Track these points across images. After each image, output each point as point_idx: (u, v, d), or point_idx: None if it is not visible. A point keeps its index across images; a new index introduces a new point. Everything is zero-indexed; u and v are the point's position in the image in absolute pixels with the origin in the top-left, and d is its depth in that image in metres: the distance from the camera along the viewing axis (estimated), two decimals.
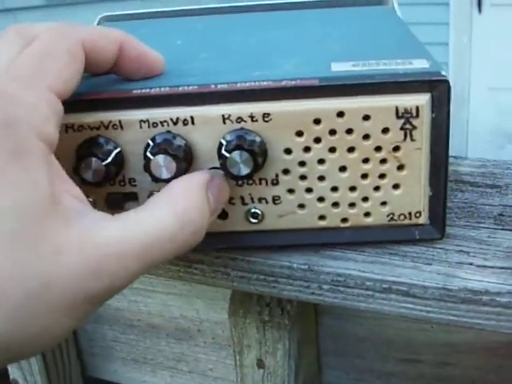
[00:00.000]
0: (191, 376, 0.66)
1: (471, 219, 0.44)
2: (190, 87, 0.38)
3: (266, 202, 0.40)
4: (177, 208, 0.32)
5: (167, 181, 0.37)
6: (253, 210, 0.40)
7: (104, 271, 0.29)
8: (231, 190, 0.39)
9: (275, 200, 0.40)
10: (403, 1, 0.58)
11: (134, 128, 0.38)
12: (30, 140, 0.29)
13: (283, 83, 0.37)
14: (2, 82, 0.31)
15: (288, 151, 0.38)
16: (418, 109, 0.37)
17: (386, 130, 0.37)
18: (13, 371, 0.71)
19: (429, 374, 0.54)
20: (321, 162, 0.39)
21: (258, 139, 0.37)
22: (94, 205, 0.40)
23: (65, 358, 0.71)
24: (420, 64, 0.38)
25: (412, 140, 0.38)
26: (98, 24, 0.60)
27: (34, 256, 0.27)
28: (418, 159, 0.38)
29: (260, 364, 0.53)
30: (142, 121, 0.38)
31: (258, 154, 0.37)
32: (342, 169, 0.39)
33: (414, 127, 0.37)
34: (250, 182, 0.39)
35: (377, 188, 0.39)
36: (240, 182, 0.39)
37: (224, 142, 0.37)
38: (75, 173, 0.37)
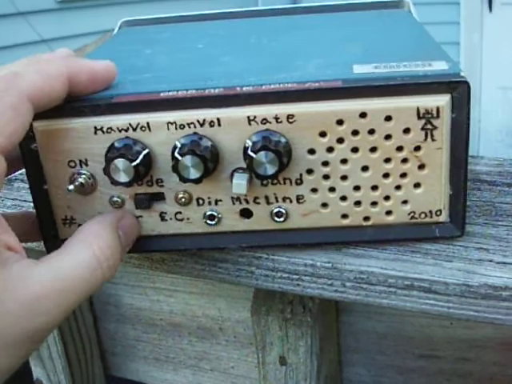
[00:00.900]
0: (213, 374, 0.67)
1: (490, 217, 0.45)
2: (216, 90, 0.38)
3: (290, 202, 0.41)
4: (93, 247, 0.36)
5: (195, 181, 0.38)
6: (277, 209, 0.41)
7: (40, 311, 0.32)
8: (256, 189, 0.40)
9: (299, 199, 0.41)
10: (414, 1, 0.59)
11: (161, 130, 0.39)
12: None
13: (307, 85, 0.38)
14: None
15: (312, 151, 0.39)
16: (438, 109, 0.38)
17: (407, 131, 0.38)
18: (36, 370, 0.72)
19: (448, 369, 0.55)
20: (344, 161, 0.39)
21: (282, 140, 0.38)
22: (123, 204, 0.41)
23: (88, 358, 0.72)
24: (439, 66, 0.39)
25: (433, 140, 0.39)
26: (119, 28, 0.61)
27: None
28: (439, 159, 0.39)
29: (282, 361, 0.54)
30: (169, 123, 0.39)
31: (283, 155, 0.38)
32: (365, 168, 0.40)
33: (435, 127, 0.38)
34: (275, 181, 0.40)
35: (398, 187, 0.40)
36: (265, 182, 0.40)
37: (250, 143, 0.38)
38: (105, 173, 0.38)
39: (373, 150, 0.39)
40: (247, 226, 0.42)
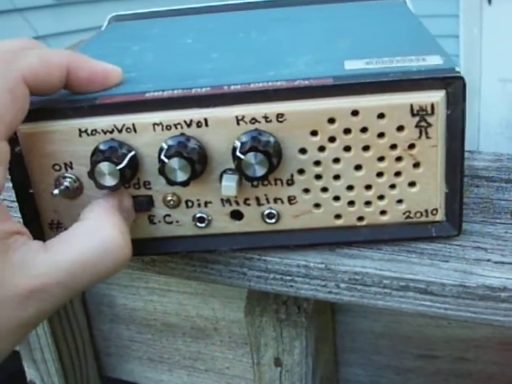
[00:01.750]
0: (208, 375, 0.66)
1: (487, 215, 0.44)
2: (203, 89, 0.38)
3: (282, 202, 0.40)
4: (99, 233, 0.35)
5: (182, 184, 0.37)
6: (268, 211, 0.40)
7: (32, 302, 0.32)
8: (247, 190, 0.39)
9: (291, 200, 0.40)
10: None
11: (147, 131, 0.38)
12: None
13: (297, 83, 0.37)
14: None
15: (303, 151, 0.38)
16: (432, 106, 0.37)
17: (401, 128, 0.37)
18: (30, 372, 0.72)
19: (446, 369, 0.54)
20: (336, 161, 0.39)
21: (272, 140, 0.37)
22: None
23: (81, 359, 0.72)
24: (434, 60, 0.38)
25: (427, 137, 0.38)
26: (108, 24, 0.60)
27: None
28: (434, 156, 0.38)
29: (277, 362, 0.53)
30: (155, 124, 0.38)
31: (273, 155, 0.37)
32: (358, 167, 0.39)
33: (430, 124, 0.37)
34: (265, 182, 0.39)
35: (393, 186, 0.39)
36: (255, 183, 0.39)
37: (238, 144, 0.37)
38: (90, 177, 0.37)
39: (366, 148, 0.38)
40: (238, 228, 0.41)
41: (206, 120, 0.37)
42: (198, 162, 0.37)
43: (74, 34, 3.04)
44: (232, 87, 0.37)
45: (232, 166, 0.38)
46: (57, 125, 0.38)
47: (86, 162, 0.38)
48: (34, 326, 0.33)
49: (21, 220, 0.41)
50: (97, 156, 0.37)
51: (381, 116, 0.37)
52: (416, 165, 0.39)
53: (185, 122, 0.38)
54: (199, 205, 0.40)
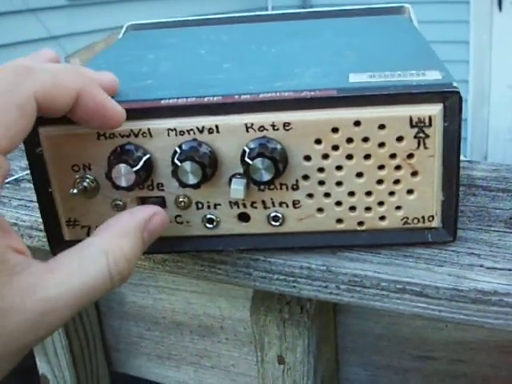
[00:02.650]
0: (214, 371, 0.68)
1: (483, 223, 0.46)
2: (215, 98, 0.40)
3: (287, 206, 0.42)
4: (109, 260, 0.34)
5: (193, 186, 0.39)
6: (274, 214, 0.42)
7: (42, 325, 0.32)
8: (254, 194, 0.42)
9: (295, 204, 0.42)
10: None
11: (162, 136, 0.40)
12: None
13: (303, 94, 0.39)
14: None
15: (307, 158, 0.40)
16: (430, 118, 0.39)
17: (400, 139, 0.39)
18: (42, 366, 0.73)
19: (443, 370, 0.56)
20: (338, 168, 0.41)
21: (279, 147, 0.39)
22: (125, 207, 0.42)
23: (92, 354, 0.73)
24: (433, 75, 0.40)
25: (425, 148, 0.40)
26: (124, 32, 0.63)
27: None
28: (431, 166, 0.40)
29: (280, 360, 0.55)
30: (169, 129, 0.40)
31: (279, 161, 0.39)
32: (359, 175, 0.41)
33: (427, 136, 0.39)
34: (272, 187, 0.41)
35: (392, 193, 0.41)
36: (262, 187, 0.41)
37: (247, 150, 0.39)
38: (107, 178, 0.40)
39: (367, 157, 0.40)
40: (245, 230, 0.43)
41: (217, 127, 0.40)
42: (208, 166, 0.39)
43: (87, 34, 3.06)
44: (242, 97, 0.40)
45: (240, 170, 0.40)
46: (77, 128, 0.40)
47: (103, 163, 0.40)
48: (35, 346, 0.34)
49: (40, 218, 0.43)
50: (114, 158, 0.39)
51: (381, 127, 0.39)
52: (414, 173, 0.41)
53: (197, 128, 0.40)
54: (209, 207, 0.42)
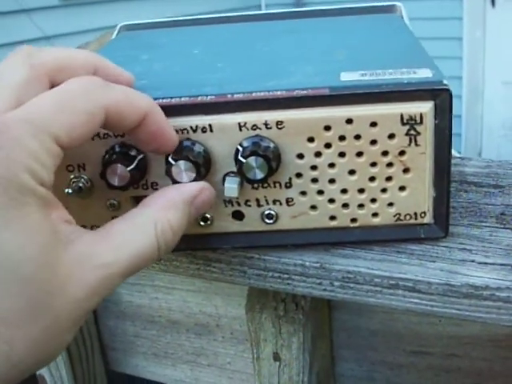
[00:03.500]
0: (210, 369, 0.68)
1: (474, 218, 0.46)
2: (208, 97, 0.40)
3: (280, 204, 0.43)
4: (157, 229, 0.36)
5: None
6: (268, 212, 0.43)
7: (98, 292, 0.33)
8: (248, 192, 0.42)
9: (289, 202, 0.42)
10: None
11: None
12: (28, 186, 0.30)
13: (295, 92, 0.39)
14: (12, 117, 0.31)
15: (300, 156, 0.41)
16: (421, 116, 0.39)
17: (392, 136, 0.40)
18: None
19: (437, 365, 0.56)
20: (331, 165, 0.41)
21: (272, 145, 0.40)
22: (120, 207, 0.42)
23: (89, 353, 0.74)
24: (424, 73, 0.40)
25: (416, 145, 0.40)
26: (118, 32, 0.63)
27: (44, 294, 0.31)
28: (423, 163, 0.41)
29: (276, 357, 0.55)
30: None
31: (272, 159, 0.39)
32: (351, 172, 0.41)
33: (418, 133, 0.40)
34: (265, 185, 0.42)
35: (384, 190, 0.42)
36: (255, 186, 0.42)
37: (240, 149, 0.39)
38: (102, 178, 0.40)
39: (359, 154, 0.41)
40: (239, 228, 0.44)
41: (210, 126, 0.40)
42: (202, 164, 0.40)
43: (80, 34, 3.06)
44: (235, 96, 0.40)
45: (234, 169, 0.40)
46: None
47: (98, 163, 0.40)
48: (89, 314, 0.35)
49: None
50: (108, 158, 0.40)
51: (373, 124, 0.40)
52: (406, 170, 0.41)
53: (191, 127, 0.40)
54: None
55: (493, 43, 3.87)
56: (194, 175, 0.39)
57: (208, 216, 0.43)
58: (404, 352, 0.57)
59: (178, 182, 0.39)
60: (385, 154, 0.40)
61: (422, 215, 0.42)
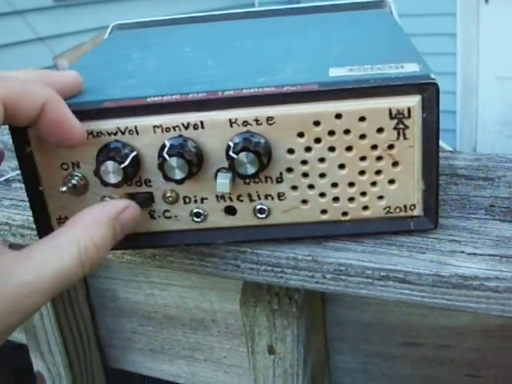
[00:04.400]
0: (206, 364, 0.69)
1: (464, 210, 0.47)
2: (199, 94, 0.41)
3: (272, 199, 0.43)
4: (80, 246, 0.36)
5: (179, 181, 0.40)
6: (260, 206, 0.43)
7: (18, 310, 0.33)
8: (239, 187, 0.43)
9: (280, 196, 0.43)
10: None
11: (148, 133, 0.41)
12: None
13: (285, 89, 0.40)
14: None
15: (291, 151, 0.41)
16: (409, 110, 0.40)
17: (380, 130, 0.41)
18: (37, 363, 0.74)
19: (430, 356, 0.57)
20: (321, 160, 0.42)
21: (262, 141, 0.40)
22: None
23: (86, 350, 0.74)
24: (411, 68, 0.41)
25: (405, 138, 0.41)
26: (110, 32, 0.63)
27: None
28: (411, 156, 0.41)
29: (271, 350, 0.56)
30: (155, 126, 0.41)
31: (263, 155, 0.40)
32: (341, 166, 0.42)
33: (407, 127, 0.40)
34: (257, 180, 0.42)
35: (374, 183, 0.42)
36: (247, 181, 0.42)
37: (231, 144, 0.40)
38: (96, 175, 0.41)
39: (349, 148, 0.41)
40: (232, 223, 0.44)
41: (202, 123, 0.41)
42: (194, 161, 0.40)
43: (74, 35, 3.06)
44: (226, 93, 0.40)
45: (226, 164, 0.41)
46: None
47: (92, 161, 0.41)
48: (14, 329, 0.34)
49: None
50: (102, 156, 0.40)
51: (362, 119, 0.40)
52: (395, 164, 0.42)
53: (183, 124, 0.41)
54: (196, 201, 0.43)
55: (486, 39, 3.88)
56: (186, 171, 0.40)
57: (201, 212, 0.44)
58: (397, 343, 0.58)
59: (171, 180, 0.40)
60: (374, 147, 0.41)
61: (412, 208, 0.43)
